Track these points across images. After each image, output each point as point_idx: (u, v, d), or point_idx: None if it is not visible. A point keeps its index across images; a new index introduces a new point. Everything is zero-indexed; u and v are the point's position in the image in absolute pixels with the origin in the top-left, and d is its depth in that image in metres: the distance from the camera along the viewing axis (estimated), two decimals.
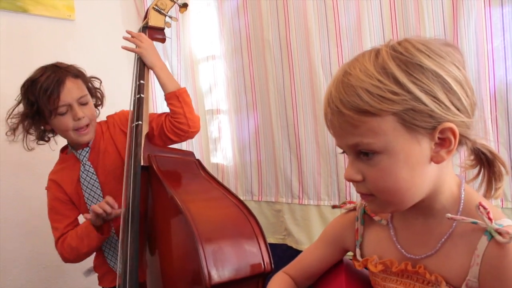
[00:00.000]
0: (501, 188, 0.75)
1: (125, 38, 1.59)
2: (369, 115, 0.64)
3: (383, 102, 0.63)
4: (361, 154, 0.68)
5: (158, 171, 1.36)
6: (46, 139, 1.59)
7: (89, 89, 1.56)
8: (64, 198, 1.55)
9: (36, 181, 1.57)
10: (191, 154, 1.52)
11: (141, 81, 1.52)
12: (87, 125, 1.50)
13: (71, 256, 1.51)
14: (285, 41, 1.89)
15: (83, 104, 1.49)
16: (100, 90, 1.64)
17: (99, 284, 1.66)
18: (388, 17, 1.62)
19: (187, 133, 1.52)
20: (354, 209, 0.89)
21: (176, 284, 1.27)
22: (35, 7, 2.06)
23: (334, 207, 0.99)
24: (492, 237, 0.64)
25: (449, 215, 0.68)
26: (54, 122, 1.47)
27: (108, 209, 1.38)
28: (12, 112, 1.51)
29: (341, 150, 0.73)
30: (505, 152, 1.43)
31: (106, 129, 1.61)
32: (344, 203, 0.93)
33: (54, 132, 1.56)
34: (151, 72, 1.57)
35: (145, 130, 1.46)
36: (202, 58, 2.32)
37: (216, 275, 1.11)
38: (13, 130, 1.51)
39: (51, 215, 1.55)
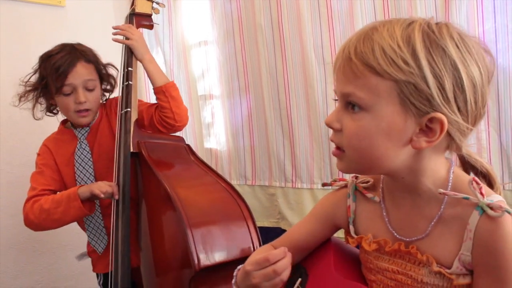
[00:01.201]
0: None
1: (115, 33, 1.60)
2: (373, 72, 0.64)
3: (391, 65, 0.63)
4: (350, 105, 0.68)
5: (148, 157, 1.37)
6: (55, 111, 1.62)
7: (101, 75, 1.59)
8: (53, 165, 1.57)
9: (32, 170, 1.57)
10: (181, 139, 1.53)
11: (129, 68, 1.54)
12: (87, 110, 1.53)
13: (37, 218, 1.44)
14: (277, 25, 1.88)
15: (89, 89, 1.52)
16: (114, 78, 1.66)
17: (93, 270, 1.68)
18: (380, 0, 1.62)
19: (174, 127, 1.56)
20: (345, 186, 0.89)
21: (168, 268, 1.29)
22: None
23: (324, 185, 1.00)
24: (483, 212, 0.65)
25: (441, 190, 0.68)
26: (58, 100, 1.52)
27: (110, 191, 1.40)
28: (29, 79, 1.54)
29: (335, 97, 0.74)
30: (495, 134, 1.44)
31: (105, 111, 1.65)
32: (335, 180, 0.92)
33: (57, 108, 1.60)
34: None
35: (134, 116, 1.48)
36: (194, 44, 2.31)
37: (205, 258, 1.13)
38: (20, 97, 1.54)
39: (35, 175, 1.55)
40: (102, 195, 1.38)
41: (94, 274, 1.68)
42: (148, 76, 1.57)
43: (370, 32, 0.67)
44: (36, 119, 1.59)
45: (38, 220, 1.45)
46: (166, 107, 1.53)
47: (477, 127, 0.69)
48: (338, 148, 0.73)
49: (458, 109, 0.64)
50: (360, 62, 0.65)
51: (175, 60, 2.35)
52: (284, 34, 1.87)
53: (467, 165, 0.76)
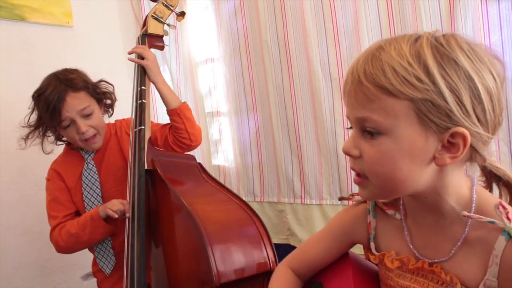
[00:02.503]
0: None
1: (131, 52, 1.61)
2: (387, 93, 0.62)
3: (405, 84, 0.61)
4: (366, 132, 0.66)
5: (163, 174, 1.37)
6: (64, 139, 1.61)
7: (96, 96, 1.58)
8: (64, 188, 1.57)
9: (39, 188, 1.58)
10: (192, 158, 1.54)
11: (143, 87, 1.54)
12: (95, 135, 1.53)
13: (67, 243, 1.49)
14: (283, 42, 1.89)
15: (87, 115, 1.50)
16: (110, 95, 1.66)
17: None
18: (385, 16, 1.63)
19: (190, 147, 1.58)
20: (364, 201, 0.86)
21: (183, 285, 1.28)
22: (33, 15, 2.06)
23: (341, 199, 0.96)
24: (510, 237, 0.63)
25: (465, 212, 0.66)
26: (62, 133, 1.53)
27: (122, 209, 1.41)
28: (29, 120, 1.55)
29: (349, 125, 0.72)
30: (505, 147, 1.43)
31: (114, 131, 1.65)
32: (352, 195, 0.89)
33: None
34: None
35: (147, 135, 1.48)
36: (201, 61, 2.33)
37: (225, 274, 1.13)
38: (25, 140, 1.54)
39: (51, 204, 1.55)
40: (116, 215, 1.40)
41: None
42: (162, 98, 1.57)
43: (377, 52, 0.65)
44: (46, 153, 1.59)
45: (69, 245, 1.50)
46: (182, 128, 1.54)
47: (496, 135, 0.67)
48: (358, 175, 0.70)
49: (478, 120, 0.62)
50: (372, 85, 0.63)
51: (182, 77, 2.36)
52: (291, 50, 1.88)
53: (489, 174, 0.73)
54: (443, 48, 0.62)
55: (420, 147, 0.64)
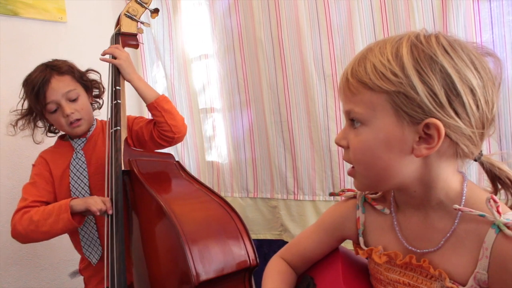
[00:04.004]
0: None
1: (103, 53, 1.61)
2: (366, 87, 0.68)
3: (381, 79, 0.66)
4: (353, 121, 0.72)
5: (140, 174, 1.38)
6: (56, 131, 1.64)
7: (82, 83, 1.60)
8: (47, 177, 1.57)
9: None
10: (171, 156, 1.54)
11: (117, 87, 1.55)
12: (79, 119, 1.54)
13: (25, 230, 1.43)
14: (277, 39, 1.90)
15: (73, 99, 1.53)
16: (97, 84, 1.68)
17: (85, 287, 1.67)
18: (378, 13, 1.64)
19: (174, 139, 1.58)
20: (354, 197, 0.89)
21: (164, 284, 1.29)
22: (26, 10, 2.06)
23: (332, 194, 0.99)
24: (500, 230, 0.65)
25: (456, 206, 0.68)
26: (49, 118, 1.55)
27: (104, 209, 1.39)
28: (21, 108, 1.58)
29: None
30: (495, 144, 1.45)
31: (102, 127, 1.67)
32: (343, 191, 0.93)
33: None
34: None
35: (123, 135, 1.48)
36: (195, 57, 2.33)
37: (204, 273, 1.14)
38: (13, 126, 1.57)
39: (27, 186, 1.55)
40: (98, 213, 1.38)
41: None
42: (139, 94, 1.58)
43: (365, 53, 0.71)
44: (37, 143, 1.61)
45: (26, 232, 1.43)
46: (162, 121, 1.55)
47: (488, 131, 0.69)
48: (350, 165, 0.76)
49: (456, 113, 0.65)
50: (355, 80, 0.70)
51: (175, 73, 2.36)
52: (284, 47, 1.88)
53: (491, 175, 0.75)
54: (421, 45, 0.66)
55: (396, 138, 0.68)
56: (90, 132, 1.61)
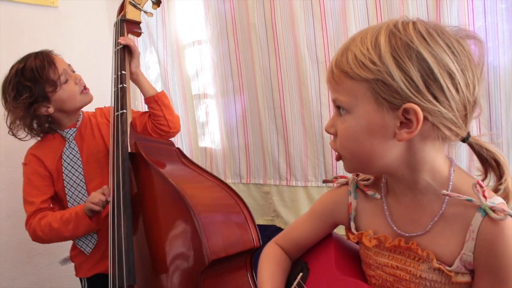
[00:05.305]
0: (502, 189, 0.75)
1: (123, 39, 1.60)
2: (347, 76, 0.71)
3: (361, 68, 0.69)
4: (339, 109, 0.75)
5: (147, 157, 1.39)
6: (52, 126, 1.60)
7: None
8: (43, 173, 1.57)
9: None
10: (171, 143, 1.57)
11: (123, 72, 1.56)
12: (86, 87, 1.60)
13: (47, 236, 1.50)
14: (271, 25, 1.90)
15: (73, 72, 1.59)
16: None
17: (76, 275, 1.68)
18: None
19: (168, 133, 1.62)
20: (346, 183, 0.91)
21: (172, 265, 1.31)
22: None
23: (325, 181, 1.02)
24: (486, 214, 0.67)
25: (444, 191, 0.71)
26: (60, 94, 1.52)
27: (104, 199, 1.43)
28: (12, 121, 1.53)
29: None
30: (486, 131, 1.47)
31: (94, 117, 1.68)
32: (336, 178, 0.94)
33: (53, 121, 1.59)
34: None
35: (129, 118, 1.50)
36: (188, 43, 2.32)
37: (215, 251, 1.18)
38: (12, 124, 1.53)
39: (27, 189, 1.55)
40: (98, 207, 1.42)
41: None
42: (141, 86, 1.63)
43: (348, 43, 0.73)
44: (24, 140, 1.57)
45: (48, 237, 1.51)
46: (160, 115, 1.59)
47: (472, 113, 0.71)
48: (337, 152, 0.79)
49: (435, 97, 0.66)
50: (338, 70, 0.72)
51: (169, 59, 2.35)
52: (278, 33, 1.88)
53: (480, 157, 0.77)
54: (399, 33, 0.68)
55: (378, 124, 0.70)
56: (79, 122, 1.62)
